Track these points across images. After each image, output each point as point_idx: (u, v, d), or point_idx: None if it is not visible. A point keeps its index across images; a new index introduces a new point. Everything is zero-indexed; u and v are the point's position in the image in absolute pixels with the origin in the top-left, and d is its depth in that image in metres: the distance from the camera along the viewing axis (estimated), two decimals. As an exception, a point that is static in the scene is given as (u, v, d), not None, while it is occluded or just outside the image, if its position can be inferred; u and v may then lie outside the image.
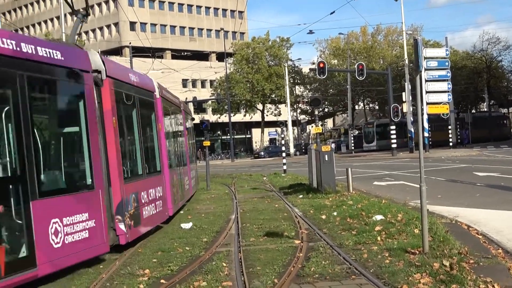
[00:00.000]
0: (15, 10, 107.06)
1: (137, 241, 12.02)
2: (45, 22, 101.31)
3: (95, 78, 10.71)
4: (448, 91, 40.30)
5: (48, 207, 8.90)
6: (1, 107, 8.46)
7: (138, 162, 12.92)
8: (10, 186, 8.34)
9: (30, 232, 8.41)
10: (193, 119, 26.36)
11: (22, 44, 8.79)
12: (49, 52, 9.41)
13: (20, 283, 8.09)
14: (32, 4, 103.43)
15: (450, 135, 52.57)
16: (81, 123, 10.30)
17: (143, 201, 12.56)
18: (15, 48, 8.56)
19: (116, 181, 11.01)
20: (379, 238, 10.76)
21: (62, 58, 9.74)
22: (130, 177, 12.10)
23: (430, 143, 49.31)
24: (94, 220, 10.01)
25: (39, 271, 8.52)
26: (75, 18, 13.45)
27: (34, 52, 8.98)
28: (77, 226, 9.55)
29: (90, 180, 10.26)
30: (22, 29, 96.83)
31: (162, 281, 8.81)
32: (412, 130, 47.88)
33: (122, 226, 10.98)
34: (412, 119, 48.46)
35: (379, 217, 12.96)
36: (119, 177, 11.12)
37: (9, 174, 8.42)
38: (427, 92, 39.39)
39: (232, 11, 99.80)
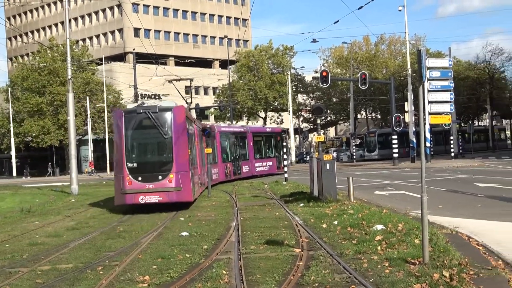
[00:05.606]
0: (20, 15, 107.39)
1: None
2: (49, 27, 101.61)
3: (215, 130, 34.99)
4: (450, 102, 40.15)
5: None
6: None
7: (219, 157, 35.14)
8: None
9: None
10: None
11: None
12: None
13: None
14: (37, 9, 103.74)
15: (452, 146, 52.53)
16: (215, 145, 34.35)
17: (227, 169, 36.37)
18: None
19: (220, 162, 35.06)
20: (379, 248, 10.75)
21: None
22: (222, 161, 35.72)
23: (432, 153, 49.24)
24: (218, 171, 34.17)
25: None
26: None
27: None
28: (214, 171, 32.37)
29: (217, 160, 34.19)
30: (26, 34, 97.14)
31: None
32: (414, 140, 47.86)
33: (222, 175, 34.96)
34: (414, 129, 48.42)
35: (379, 226, 12.96)
36: (221, 160, 35.35)
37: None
38: (429, 102, 39.23)
39: (236, 19, 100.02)
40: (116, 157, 21.21)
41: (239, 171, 38.65)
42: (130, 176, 20.09)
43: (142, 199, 19.99)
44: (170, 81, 34.10)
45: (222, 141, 36.84)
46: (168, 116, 20.59)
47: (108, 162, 63.61)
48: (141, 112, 20.63)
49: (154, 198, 20.04)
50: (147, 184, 20.07)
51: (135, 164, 20.31)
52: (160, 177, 20.17)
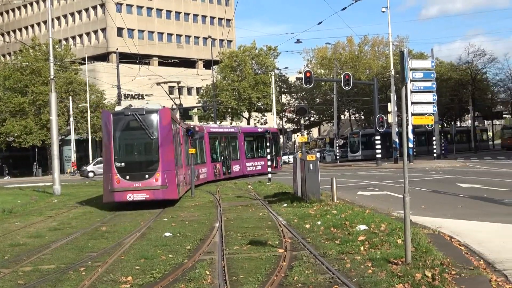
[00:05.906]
0: (1, 14, 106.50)
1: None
2: (32, 26, 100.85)
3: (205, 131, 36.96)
4: (433, 103, 40.43)
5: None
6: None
7: (208, 157, 36.25)
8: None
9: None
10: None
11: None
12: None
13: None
14: (19, 8, 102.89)
15: (435, 146, 52.85)
16: (204, 145, 35.81)
17: (217, 169, 37.54)
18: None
19: (209, 162, 36.18)
20: (362, 248, 10.79)
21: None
22: (212, 161, 36.84)
23: (415, 153, 49.52)
24: (206, 171, 35.49)
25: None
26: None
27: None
28: (202, 171, 34.54)
29: (205, 160, 35.55)
30: (8, 33, 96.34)
31: (144, 288, 8.77)
32: (397, 140, 48.14)
33: (211, 175, 36.22)
34: (397, 130, 48.75)
35: (362, 227, 13.00)
36: (210, 160, 36.39)
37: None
38: (412, 103, 39.47)
39: (220, 19, 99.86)
40: (105, 157, 22.56)
41: (229, 171, 39.38)
42: (118, 175, 21.42)
43: (129, 197, 21.36)
44: (158, 84, 34.33)
45: (211, 141, 37.46)
46: (155, 118, 21.89)
47: (90, 162, 63.22)
48: (128, 114, 21.90)
49: (141, 196, 21.40)
50: (134, 183, 21.41)
51: (123, 164, 21.59)
52: (147, 176, 21.54)
